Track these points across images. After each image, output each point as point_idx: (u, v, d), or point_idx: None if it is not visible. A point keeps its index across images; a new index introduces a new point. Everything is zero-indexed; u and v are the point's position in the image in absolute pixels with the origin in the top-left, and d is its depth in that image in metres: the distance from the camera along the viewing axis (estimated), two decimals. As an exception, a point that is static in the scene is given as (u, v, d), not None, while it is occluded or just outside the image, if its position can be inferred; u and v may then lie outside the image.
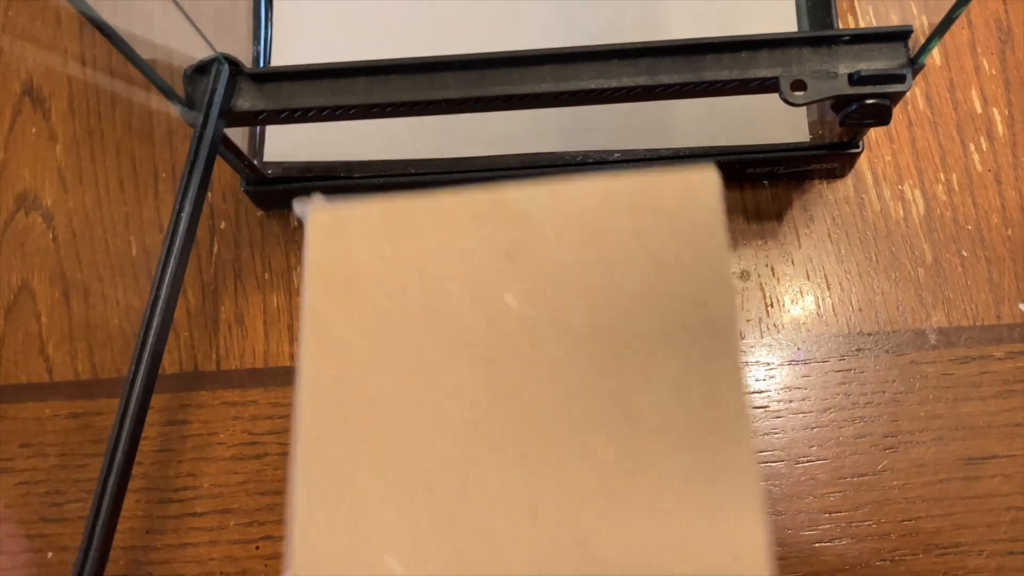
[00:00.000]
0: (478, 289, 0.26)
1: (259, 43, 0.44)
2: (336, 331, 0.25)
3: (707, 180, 0.25)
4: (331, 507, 0.24)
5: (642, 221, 0.26)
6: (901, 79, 0.33)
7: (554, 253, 0.26)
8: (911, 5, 0.45)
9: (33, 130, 0.46)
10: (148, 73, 0.32)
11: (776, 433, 0.41)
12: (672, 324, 0.25)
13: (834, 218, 0.43)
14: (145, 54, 0.32)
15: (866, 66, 0.33)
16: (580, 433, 0.24)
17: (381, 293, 0.26)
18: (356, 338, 0.25)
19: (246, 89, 0.34)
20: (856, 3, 0.45)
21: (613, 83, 0.33)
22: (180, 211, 0.32)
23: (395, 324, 0.25)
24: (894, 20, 0.45)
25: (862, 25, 0.45)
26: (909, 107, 0.44)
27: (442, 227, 0.26)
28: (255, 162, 0.42)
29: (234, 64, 0.34)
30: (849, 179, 0.43)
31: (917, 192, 0.43)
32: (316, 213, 0.26)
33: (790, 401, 0.41)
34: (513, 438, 0.24)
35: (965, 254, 0.42)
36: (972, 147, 0.44)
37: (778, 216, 0.43)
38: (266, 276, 0.44)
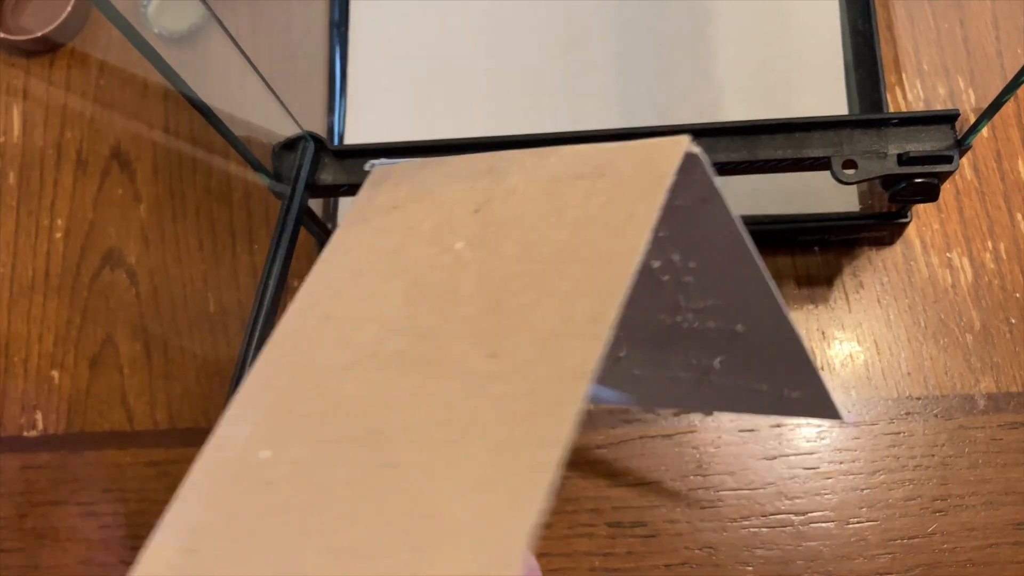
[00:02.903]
0: (441, 235, 0.30)
1: (334, 114, 0.47)
2: (336, 255, 0.30)
3: (671, 149, 0.26)
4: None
5: (597, 183, 0.28)
6: (948, 160, 0.34)
7: (513, 208, 0.29)
8: (958, 79, 0.46)
9: (119, 191, 0.49)
10: (241, 150, 0.35)
11: (826, 494, 0.42)
12: (565, 286, 0.26)
13: (883, 284, 0.44)
14: (235, 131, 0.35)
15: (915, 147, 0.35)
16: (443, 378, 0.26)
17: (379, 231, 0.31)
18: (347, 260, 0.30)
19: (329, 164, 0.37)
20: (904, 76, 0.47)
21: (672, 161, 0.35)
22: (268, 278, 0.35)
23: (374, 256, 0.30)
24: (941, 93, 0.46)
25: (910, 98, 0.47)
26: (957, 176, 0.46)
27: (445, 182, 0.31)
28: (329, 225, 0.44)
29: (319, 141, 0.36)
30: (898, 246, 0.45)
31: (965, 260, 0.44)
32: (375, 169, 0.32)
33: (840, 463, 0.42)
34: (407, 362, 0.27)
35: (1014, 321, 0.43)
36: (1019, 216, 0.45)
37: (828, 281, 0.45)
38: (335, 333, 0.46)
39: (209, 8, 0.31)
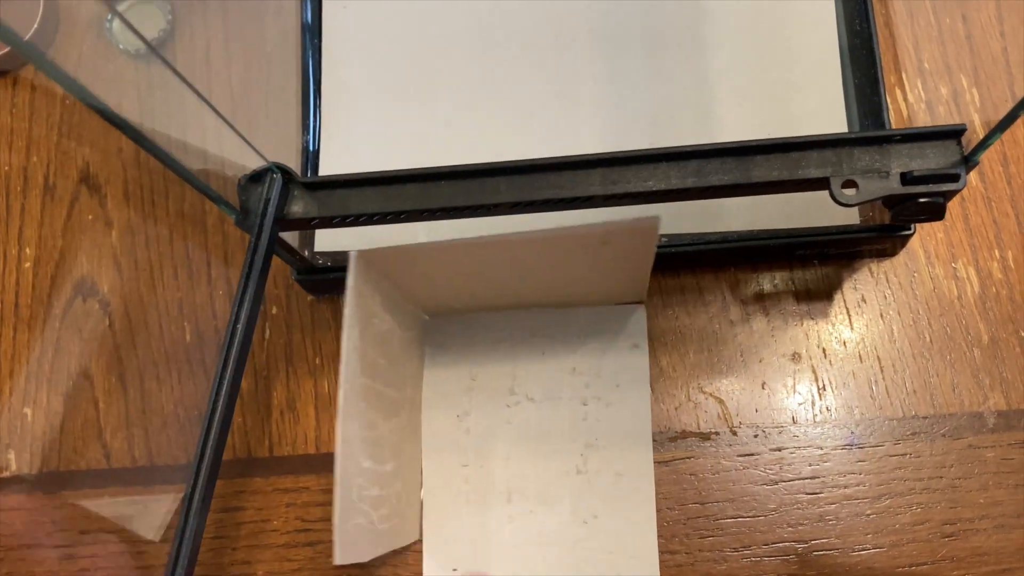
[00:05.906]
0: None
1: (308, 133, 0.44)
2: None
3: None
4: None
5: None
6: (955, 178, 0.32)
7: None
8: (961, 78, 0.44)
9: (90, 217, 0.47)
10: (201, 187, 0.33)
11: (830, 520, 0.40)
12: None
13: (886, 297, 0.43)
14: (197, 165, 0.33)
15: (918, 165, 0.33)
16: None
17: None
18: None
19: (299, 196, 0.35)
20: (904, 76, 0.45)
21: (662, 185, 0.33)
22: (236, 321, 0.33)
23: None
24: (943, 93, 0.44)
25: (911, 99, 0.45)
26: (961, 182, 0.44)
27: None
28: (305, 253, 0.42)
29: (287, 173, 0.34)
30: (901, 257, 0.43)
31: (971, 270, 0.43)
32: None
33: (844, 487, 0.40)
34: None
35: (1023, 334, 0.42)
36: (1027, 222, 0.43)
37: (828, 296, 0.43)
38: (317, 361, 0.44)
39: (156, 52, 0.29)
